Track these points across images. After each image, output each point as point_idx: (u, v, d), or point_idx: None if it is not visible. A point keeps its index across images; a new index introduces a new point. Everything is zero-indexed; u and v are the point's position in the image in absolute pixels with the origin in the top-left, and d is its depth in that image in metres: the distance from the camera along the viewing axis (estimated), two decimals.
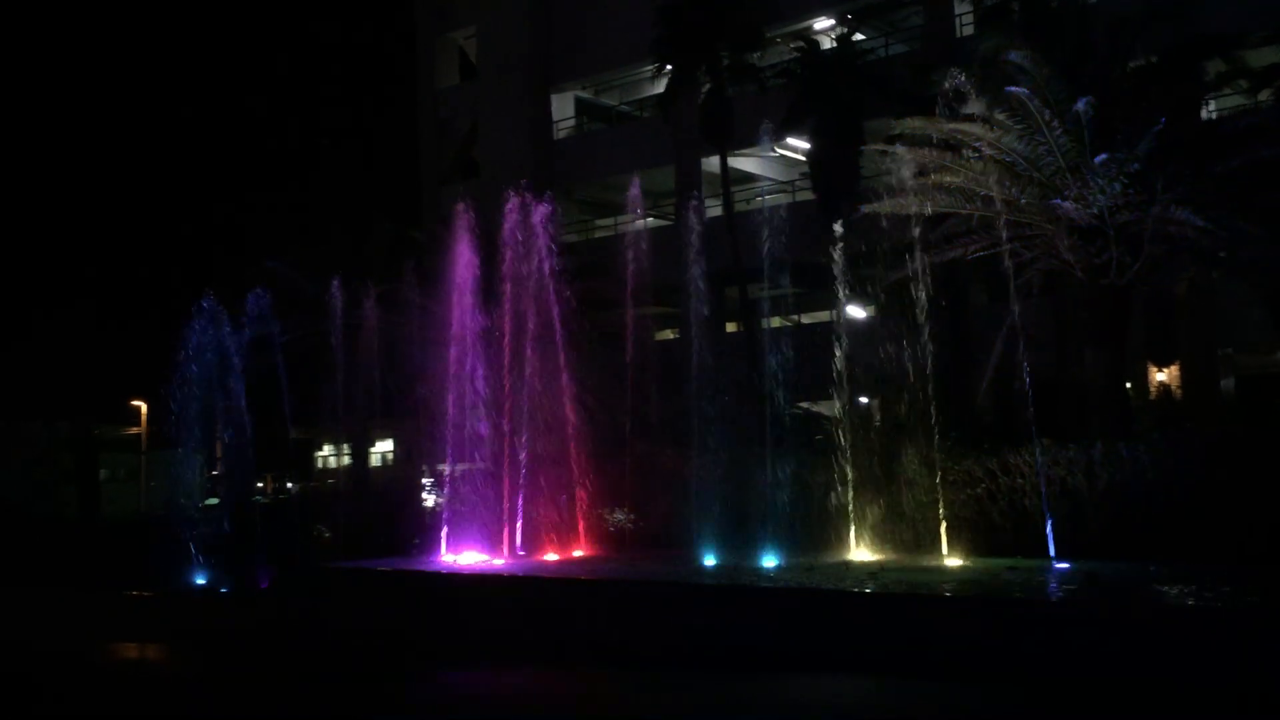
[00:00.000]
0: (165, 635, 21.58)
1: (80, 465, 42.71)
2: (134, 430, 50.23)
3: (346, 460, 39.79)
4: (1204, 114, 28.52)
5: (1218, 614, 13.35)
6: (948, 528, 19.51)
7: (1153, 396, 31.61)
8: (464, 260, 24.16)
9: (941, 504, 19.67)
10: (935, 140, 23.31)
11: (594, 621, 17.18)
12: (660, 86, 40.19)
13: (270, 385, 28.04)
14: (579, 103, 50.85)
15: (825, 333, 22.35)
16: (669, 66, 38.34)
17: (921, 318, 20.51)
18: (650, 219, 42.27)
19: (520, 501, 23.25)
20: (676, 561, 20.18)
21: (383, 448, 49.41)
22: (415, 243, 39.13)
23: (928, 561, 19.06)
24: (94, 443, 44.63)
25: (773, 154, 43.61)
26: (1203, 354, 33.04)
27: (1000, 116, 22.42)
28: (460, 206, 25.18)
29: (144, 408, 49.07)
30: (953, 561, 18.90)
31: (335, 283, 29.11)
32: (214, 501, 32.13)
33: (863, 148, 33.29)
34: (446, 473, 24.26)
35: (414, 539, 24.15)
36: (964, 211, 23.35)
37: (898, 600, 15.46)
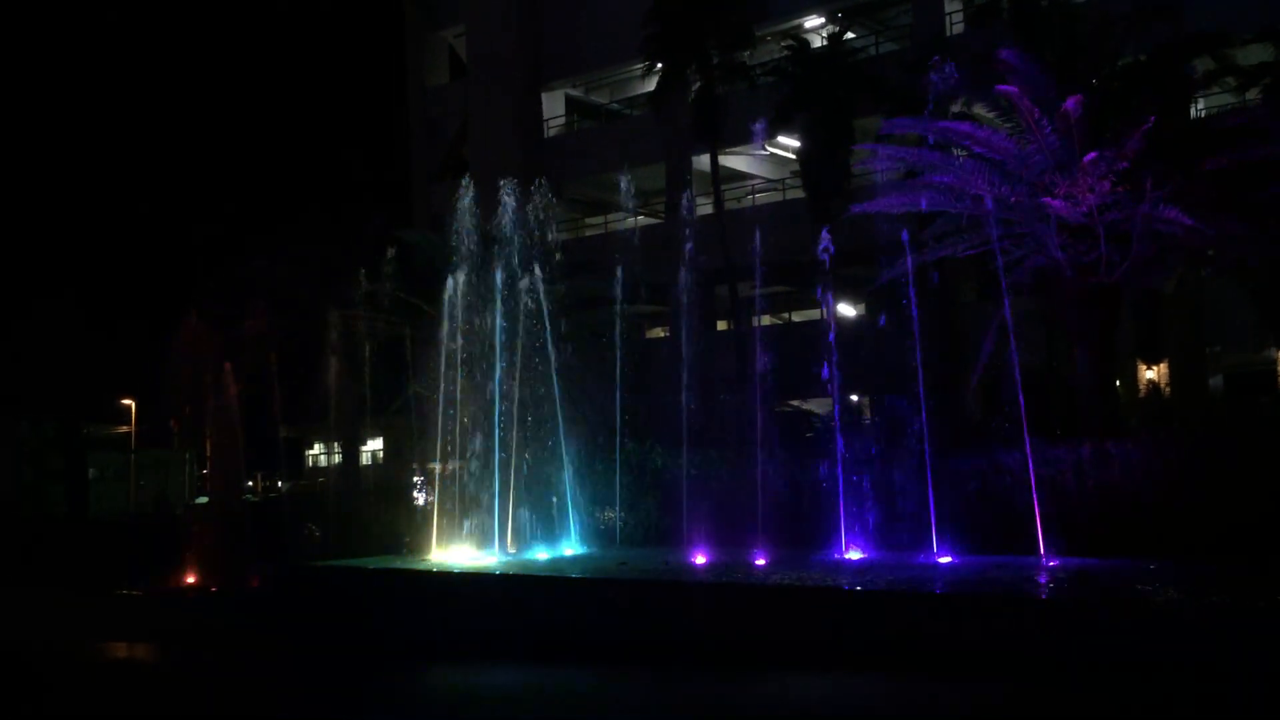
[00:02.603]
0: (155, 634, 21.53)
1: (69, 464, 42.42)
2: (123, 429, 49.99)
3: (337, 459, 39.75)
4: (1193, 112, 28.59)
5: (1200, 610, 13.41)
6: (938, 526, 19.54)
7: (1141, 394, 31.73)
8: (454, 258, 24.14)
9: (932, 502, 19.69)
10: (925, 139, 23.37)
11: (583, 619, 17.19)
12: (651, 85, 40.19)
13: (261, 383, 28.01)
14: (569, 101, 50.82)
15: (815, 331, 22.36)
16: (660, 65, 38.36)
17: (911, 316, 20.53)
18: (640, 217, 42.36)
19: (510, 499, 23.23)
20: (666, 559, 20.19)
21: (373, 446, 49.36)
22: (406, 241, 39.08)
23: (918, 559, 19.09)
24: (82, 441, 44.30)
25: (763, 152, 43.67)
26: (1191, 352, 33.12)
27: (990, 115, 22.46)
28: (451, 205, 25.16)
29: (133, 406, 48.85)
30: (943, 559, 18.94)
31: (328, 282, 29.07)
32: (204, 500, 32.09)
33: (853, 146, 33.42)
34: (437, 471, 24.25)
35: (404, 537, 24.14)
36: (954, 210, 23.42)
37: (884, 597, 15.50)
